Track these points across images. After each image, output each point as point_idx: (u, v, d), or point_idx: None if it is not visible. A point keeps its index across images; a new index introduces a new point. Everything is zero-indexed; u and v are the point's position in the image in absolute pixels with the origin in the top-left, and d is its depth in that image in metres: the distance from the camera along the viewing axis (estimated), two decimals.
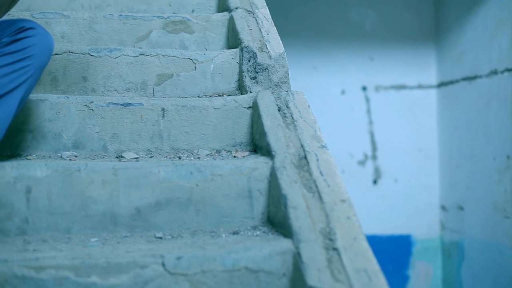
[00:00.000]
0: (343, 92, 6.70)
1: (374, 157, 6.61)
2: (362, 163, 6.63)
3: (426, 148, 6.62)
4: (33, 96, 2.35)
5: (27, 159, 2.27)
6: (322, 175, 1.96)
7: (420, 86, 6.72)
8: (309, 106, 2.33)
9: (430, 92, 6.69)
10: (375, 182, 6.57)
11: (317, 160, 2.03)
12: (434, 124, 6.62)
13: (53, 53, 2.59)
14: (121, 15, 2.97)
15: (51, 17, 2.96)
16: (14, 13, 2.87)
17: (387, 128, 6.59)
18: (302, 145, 2.10)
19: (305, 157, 2.04)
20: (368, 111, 6.71)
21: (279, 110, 2.30)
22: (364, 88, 6.75)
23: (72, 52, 2.63)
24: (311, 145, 2.09)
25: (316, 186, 1.92)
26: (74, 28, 2.95)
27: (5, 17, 2.49)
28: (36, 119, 2.34)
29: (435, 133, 6.62)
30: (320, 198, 1.87)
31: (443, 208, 6.39)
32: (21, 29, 2.14)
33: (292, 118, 2.25)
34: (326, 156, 2.05)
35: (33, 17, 2.90)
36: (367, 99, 6.73)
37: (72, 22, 2.95)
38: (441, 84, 6.50)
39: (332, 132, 6.03)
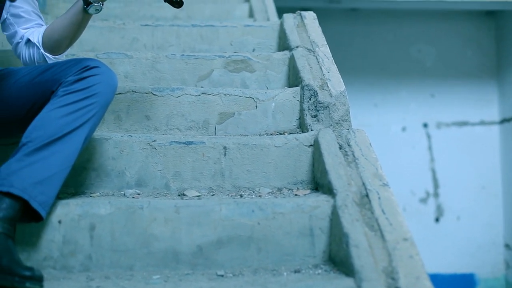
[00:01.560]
0: (404, 129, 6.66)
1: (436, 195, 6.54)
2: (423, 200, 6.57)
3: (489, 185, 6.52)
4: (97, 134, 2.39)
5: (91, 196, 2.30)
6: (384, 213, 1.95)
7: (482, 123, 6.64)
8: (370, 144, 2.32)
9: (492, 128, 6.61)
10: (437, 220, 6.48)
11: (379, 198, 2.01)
12: (497, 161, 6.52)
13: (117, 92, 2.64)
14: (183, 54, 3.02)
15: (115, 57, 3.02)
16: (79, 54, 2.94)
17: (449, 165, 6.51)
18: (363, 183, 2.09)
19: (367, 195, 2.03)
20: (430, 148, 6.66)
21: (340, 148, 2.29)
22: (425, 125, 6.70)
23: (135, 92, 2.68)
24: (372, 183, 2.08)
25: (378, 225, 1.90)
26: (137, 67, 3.00)
27: (70, 57, 2.55)
28: (100, 157, 2.38)
29: (498, 169, 6.52)
30: (382, 236, 1.86)
31: (507, 246, 6.26)
32: (86, 68, 2.18)
33: (354, 156, 2.24)
34: (388, 194, 2.04)
35: (97, 57, 2.96)
36: (429, 136, 6.68)
37: (135, 62, 3.01)
38: (504, 120, 6.41)
39: (393, 169, 5.98)
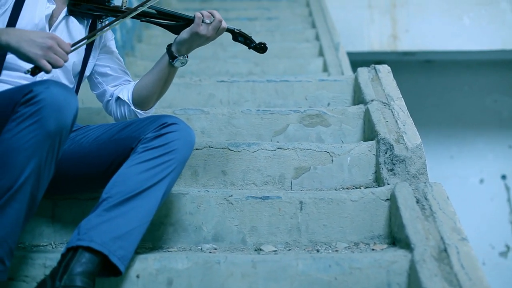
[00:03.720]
0: (481, 181, 6.55)
1: None
2: (504, 254, 6.42)
3: None
4: (174, 189, 2.42)
5: (168, 251, 2.33)
6: (463, 268, 1.91)
7: None
8: (447, 197, 2.29)
9: None
10: None
11: (458, 253, 1.98)
12: None
13: (194, 148, 2.68)
14: (258, 110, 3.05)
15: (192, 113, 3.07)
16: (156, 110, 3.01)
17: None
18: (441, 238, 2.05)
19: (445, 250, 1.99)
20: (509, 200, 6.53)
21: (417, 202, 2.27)
22: (503, 177, 6.58)
23: (212, 147, 2.71)
24: (451, 237, 2.05)
25: (457, 280, 1.87)
26: (213, 123, 3.05)
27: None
28: (178, 212, 2.41)
29: None
30: None
31: None
32: (164, 124, 2.22)
33: (431, 210, 2.21)
34: (467, 249, 2.00)
35: (174, 113, 3.02)
36: (507, 188, 6.55)
37: (211, 118, 3.05)
38: None
39: (471, 223, 5.87)
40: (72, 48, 2.13)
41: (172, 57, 2.44)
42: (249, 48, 2.52)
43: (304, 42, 5.29)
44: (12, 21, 2.29)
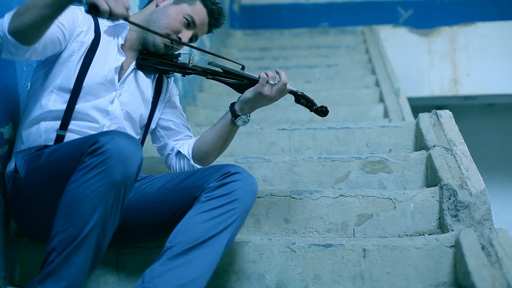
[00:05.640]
0: None
1: None
2: None
3: None
4: (237, 237, 2.43)
5: None
6: None
7: None
8: None
9: None
10: None
11: None
12: None
13: (256, 196, 2.69)
14: (320, 157, 3.05)
15: (253, 161, 3.09)
16: (219, 159, 3.03)
17: None
18: (508, 285, 2.02)
19: None
20: None
21: (482, 249, 2.24)
22: None
23: (274, 195, 2.73)
24: None
25: None
26: (275, 171, 3.06)
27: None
28: (241, 260, 2.42)
29: None
30: None
31: None
32: (227, 174, 2.25)
33: (497, 256, 2.18)
34: None
35: (236, 161, 3.05)
36: None
37: (273, 166, 3.07)
38: None
39: None
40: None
41: (234, 115, 2.48)
42: (311, 111, 2.55)
43: (364, 88, 5.29)
44: (83, 70, 2.35)
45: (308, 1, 7.86)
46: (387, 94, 4.89)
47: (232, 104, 2.50)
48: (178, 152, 2.60)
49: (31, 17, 2.04)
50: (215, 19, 2.58)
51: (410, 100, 5.09)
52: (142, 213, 2.34)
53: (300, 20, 7.72)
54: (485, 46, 6.77)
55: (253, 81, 2.46)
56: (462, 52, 6.92)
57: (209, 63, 2.51)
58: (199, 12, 2.52)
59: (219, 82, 2.52)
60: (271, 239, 2.45)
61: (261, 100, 2.44)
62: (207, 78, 2.54)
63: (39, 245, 2.35)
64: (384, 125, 3.50)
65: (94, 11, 1.98)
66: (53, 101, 2.33)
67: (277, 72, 2.43)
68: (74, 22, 2.36)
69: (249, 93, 2.44)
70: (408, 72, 6.72)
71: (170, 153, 2.62)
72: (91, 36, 2.41)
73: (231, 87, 2.52)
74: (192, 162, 2.56)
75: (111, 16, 2.00)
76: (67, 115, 2.34)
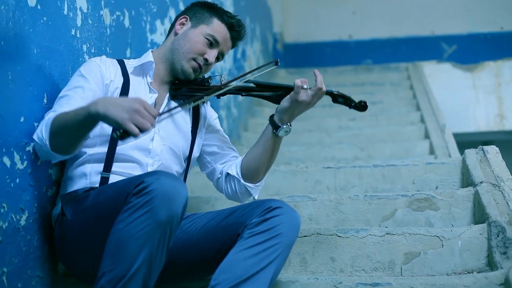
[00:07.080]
0: None
1: None
2: None
3: None
4: (283, 277, 2.43)
5: None
6: None
7: None
8: None
9: None
10: None
11: None
12: None
13: (302, 234, 2.69)
14: (365, 195, 3.04)
15: (299, 200, 3.09)
16: (264, 198, 3.05)
17: None
18: None
19: None
20: None
21: None
22: None
23: (320, 234, 2.72)
24: None
25: None
26: (321, 210, 3.06)
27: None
28: None
29: None
30: None
31: None
32: (269, 208, 2.25)
33: None
34: None
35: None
36: None
37: (319, 204, 3.07)
38: None
39: None
40: (162, 114, 2.19)
41: (275, 127, 2.48)
42: (350, 108, 2.52)
43: (409, 125, 5.28)
44: None
45: (351, 39, 7.88)
46: (433, 130, 4.86)
47: (272, 116, 2.51)
48: (227, 175, 2.60)
49: (68, 140, 2.19)
50: (236, 32, 2.61)
51: (456, 135, 5.06)
52: (186, 252, 2.36)
53: (344, 58, 7.74)
54: None
55: (288, 90, 2.47)
56: (507, 86, 6.87)
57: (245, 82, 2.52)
58: (219, 29, 2.56)
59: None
60: (317, 279, 2.44)
61: (299, 106, 2.43)
62: (242, 95, 2.57)
63: (86, 286, 2.38)
64: (430, 162, 3.48)
65: (127, 135, 2.01)
66: (95, 145, 2.38)
67: (314, 74, 2.44)
68: (103, 76, 2.43)
69: (285, 102, 2.45)
70: (453, 108, 6.68)
71: (220, 177, 2.64)
72: (120, 80, 2.47)
73: (267, 100, 2.54)
74: (242, 181, 2.57)
75: (143, 132, 2.01)
76: (109, 158, 2.38)
